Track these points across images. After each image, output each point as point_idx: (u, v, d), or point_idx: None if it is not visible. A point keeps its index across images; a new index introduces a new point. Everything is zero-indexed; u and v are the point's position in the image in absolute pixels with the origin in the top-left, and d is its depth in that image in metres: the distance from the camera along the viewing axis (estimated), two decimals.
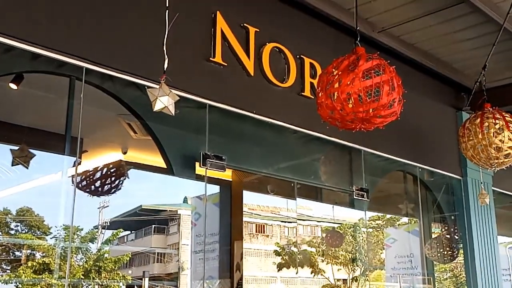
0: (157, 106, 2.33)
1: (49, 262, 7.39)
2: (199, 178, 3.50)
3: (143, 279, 8.45)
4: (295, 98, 3.90)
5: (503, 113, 4.05)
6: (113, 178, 4.22)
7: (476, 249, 5.33)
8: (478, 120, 4.04)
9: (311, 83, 3.96)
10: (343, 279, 9.77)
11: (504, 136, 3.91)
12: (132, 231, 10.68)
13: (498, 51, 4.37)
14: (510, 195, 6.43)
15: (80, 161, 3.48)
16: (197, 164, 3.41)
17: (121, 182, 4.26)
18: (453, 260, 5.74)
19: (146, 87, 2.82)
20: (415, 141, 5.08)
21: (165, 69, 2.36)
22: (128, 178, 4.36)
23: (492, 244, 5.54)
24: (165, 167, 3.47)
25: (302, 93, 3.94)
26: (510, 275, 6.49)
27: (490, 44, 4.23)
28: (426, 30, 4.58)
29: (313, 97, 3.88)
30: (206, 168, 3.36)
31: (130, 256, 9.27)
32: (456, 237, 5.64)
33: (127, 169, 4.35)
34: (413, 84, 4.97)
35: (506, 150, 3.92)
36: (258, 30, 3.66)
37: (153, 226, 10.22)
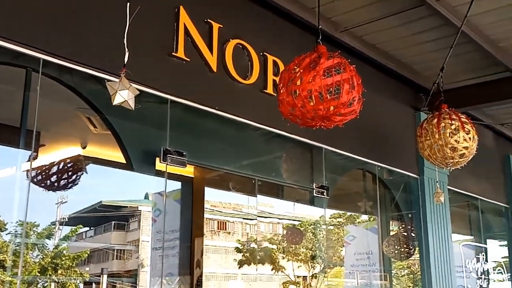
0: (117, 100, 2.29)
1: (3, 258, 7.18)
2: (160, 174, 3.46)
3: (102, 276, 8.32)
4: (258, 95, 3.91)
5: (459, 114, 4.17)
6: (70, 173, 4.13)
7: (431, 247, 5.46)
8: (435, 120, 4.15)
9: (274, 81, 3.98)
10: (303, 276, 9.87)
11: (459, 137, 4.03)
12: (91, 228, 10.49)
13: (455, 54, 4.50)
14: (465, 194, 6.61)
15: (36, 155, 3.38)
16: (157, 159, 3.38)
17: (78, 177, 4.17)
18: (410, 257, 5.87)
19: (106, 80, 2.77)
20: (375, 140, 5.17)
21: (125, 62, 2.32)
22: (86, 173, 4.28)
23: (446, 242, 5.68)
24: (125, 162, 3.42)
25: (265, 90, 3.95)
26: (463, 272, 6.69)
27: (448, 47, 4.34)
28: (388, 31, 4.66)
29: (275, 95, 3.89)
30: (167, 164, 3.33)
31: (89, 253, 9.11)
32: (413, 235, 5.77)
33: (86, 164, 4.26)
34: (374, 84, 5.06)
35: (461, 150, 4.03)
36: (221, 26, 3.64)
37: (113, 222, 10.07)
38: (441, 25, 4.47)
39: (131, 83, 2.32)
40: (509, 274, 7.56)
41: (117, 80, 2.31)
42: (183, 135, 3.68)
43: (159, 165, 3.41)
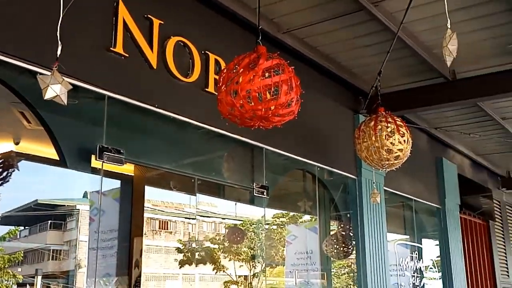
0: (48, 95, 2.21)
1: None
2: (97, 172, 3.38)
3: (36, 277, 8.01)
4: (199, 93, 3.88)
5: (395, 118, 4.30)
6: (0, 170, 3.95)
7: (367, 246, 5.60)
8: (372, 123, 4.25)
9: (216, 79, 3.96)
10: (245, 276, 9.91)
11: (394, 139, 4.15)
12: (26, 227, 10.09)
13: (392, 59, 4.63)
14: (400, 195, 6.82)
15: None
16: (93, 157, 3.29)
17: (9, 174, 4.00)
18: (348, 256, 6.00)
19: (38, 74, 2.67)
20: (315, 141, 5.25)
21: (58, 56, 2.24)
22: (18, 170, 4.10)
23: (382, 241, 5.85)
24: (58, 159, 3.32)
25: (206, 89, 3.93)
26: (397, 270, 6.91)
27: (386, 52, 4.46)
28: (328, 34, 4.75)
29: (217, 94, 3.88)
30: (103, 162, 3.25)
31: (22, 253, 8.77)
32: (351, 234, 5.90)
33: (18, 160, 4.09)
34: (315, 86, 5.15)
35: (396, 152, 4.16)
36: (162, 22, 3.59)
37: (49, 221, 9.73)
38: (380, 30, 4.60)
39: (64, 77, 2.24)
40: (441, 272, 7.88)
41: (49, 73, 2.23)
42: (121, 133, 3.61)
43: (95, 163, 3.33)
